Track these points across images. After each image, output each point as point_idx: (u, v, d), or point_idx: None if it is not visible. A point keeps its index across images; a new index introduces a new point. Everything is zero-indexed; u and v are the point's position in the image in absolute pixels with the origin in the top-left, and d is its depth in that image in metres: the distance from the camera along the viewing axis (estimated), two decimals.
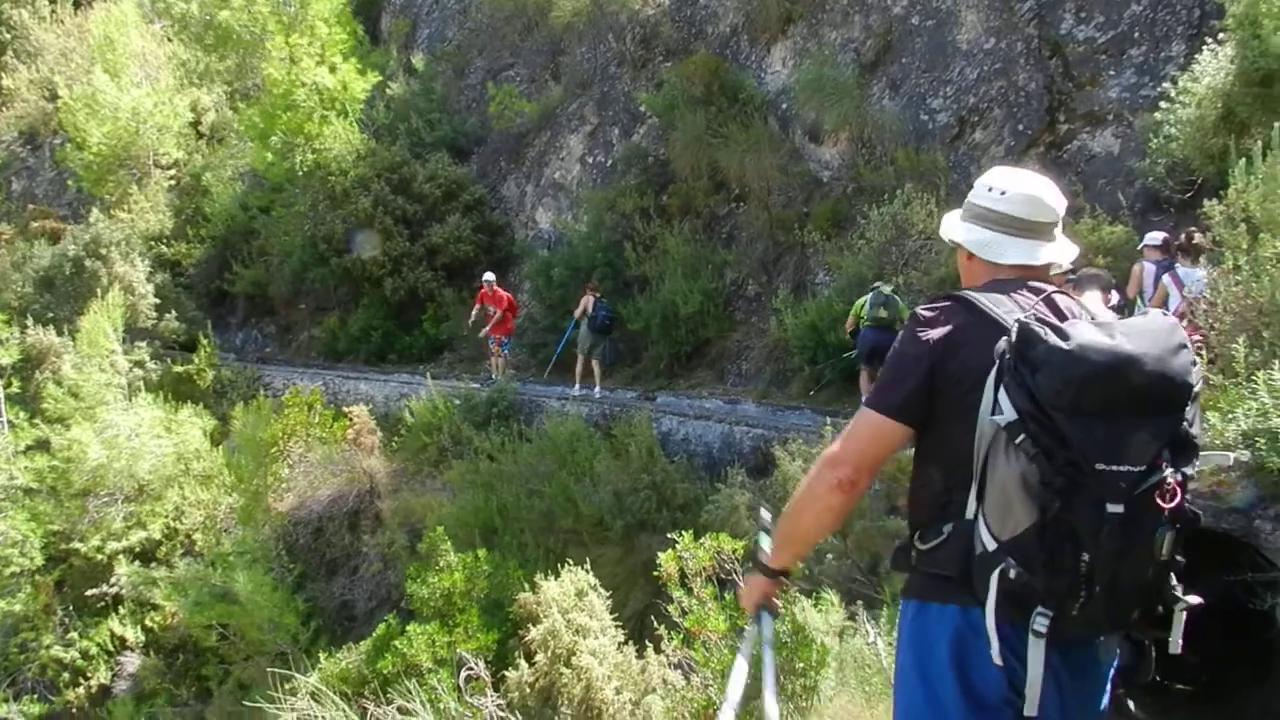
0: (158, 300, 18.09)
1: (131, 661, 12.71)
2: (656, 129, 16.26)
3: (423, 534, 10.06)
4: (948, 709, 1.99)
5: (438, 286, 18.10)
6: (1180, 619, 1.93)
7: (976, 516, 1.95)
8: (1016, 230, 2.19)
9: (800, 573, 5.15)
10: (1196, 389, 1.89)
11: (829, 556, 7.08)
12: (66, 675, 12.51)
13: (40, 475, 13.35)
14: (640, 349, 15.06)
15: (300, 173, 19.01)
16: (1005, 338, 1.92)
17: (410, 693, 5.40)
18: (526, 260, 17.52)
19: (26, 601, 12.73)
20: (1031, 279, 2.17)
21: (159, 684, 12.28)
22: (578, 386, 13.71)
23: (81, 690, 12.47)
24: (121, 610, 12.87)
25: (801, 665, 4.37)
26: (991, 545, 1.90)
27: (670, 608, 5.02)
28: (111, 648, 12.74)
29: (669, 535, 5.35)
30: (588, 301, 13.53)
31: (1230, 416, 3.93)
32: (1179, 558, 1.89)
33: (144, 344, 16.76)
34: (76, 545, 12.91)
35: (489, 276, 14.92)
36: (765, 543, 2.62)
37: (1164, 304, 7.38)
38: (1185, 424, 1.87)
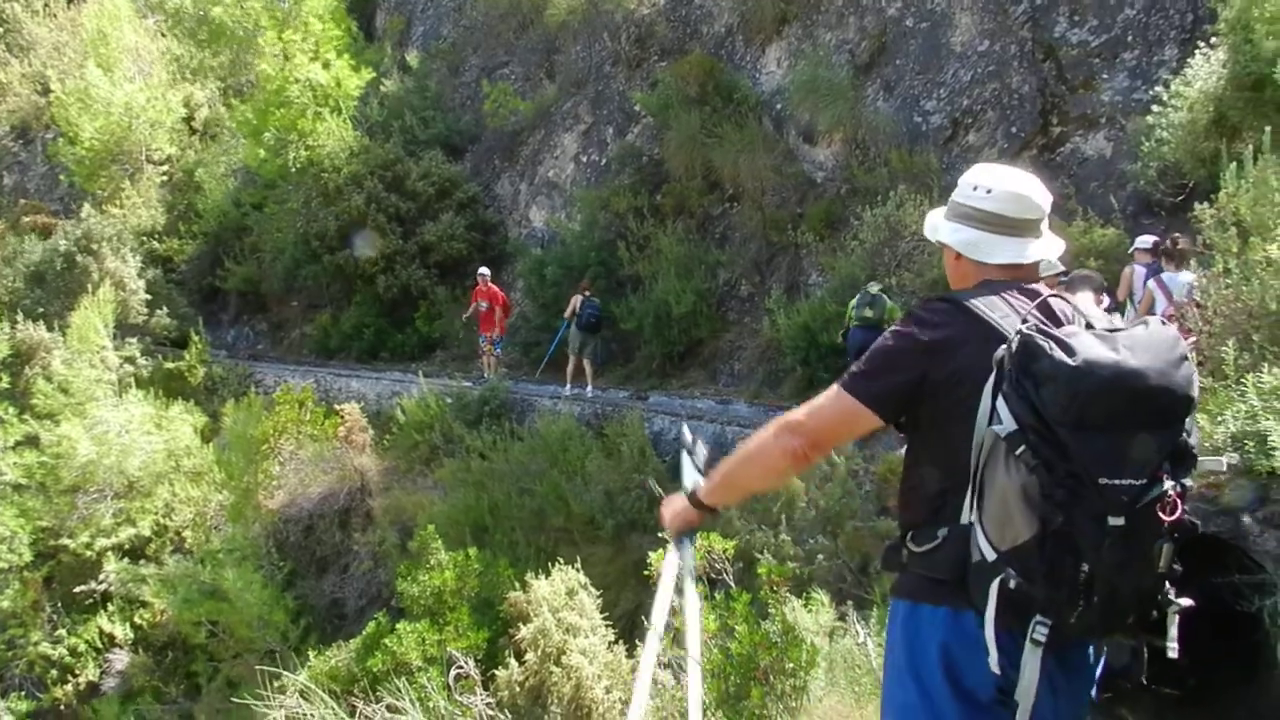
0: (149, 296, 18.04)
1: (120, 659, 12.67)
2: (651, 128, 16.26)
3: (414, 532, 10.04)
4: (942, 708, 1.99)
5: (430, 284, 18.08)
6: (1174, 621, 1.93)
7: (973, 523, 1.94)
8: (1004, 229, 2.17)
9: (789, 572, 5.15)
10: (1196, 400, 1.89)
11: (820, 557, 7.08)
12: (55, 672, 12.47)
13: (29, 471, 13.30)
14: (633, 349, 15.06)
15: (293, 169, 18.97)
16: (1005, 346, 1.89)
17: (400, 691, 5.38)
18: (520, 259, 17.51)
19: (15, 598, 12.68)
20: (1021, 278, 2.15)
21: (147, 681, 12.25)
22: (569, 386, 13.72)
23: (70, 687, 12.43)
24: (110, 607, 12.83)
25: (791, 665, 4.37)
26: (991, 555, 1.89)
27: None
28: (100, 645, 12.70)
29: (660, 534, 5.34)
30: (576, 301, 13.55)
31: (1219, 419, 3.94)
32: (1176, 565, 1.89)
33: (135, 340, 16.72)
34: (65, 542, 12.86)
35: (484, 271, 14.93)
36: (686, 463, 2.66)
37: (1150, 308, 7.41)
38: (1184, 435, 1.87)
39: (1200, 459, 1.95)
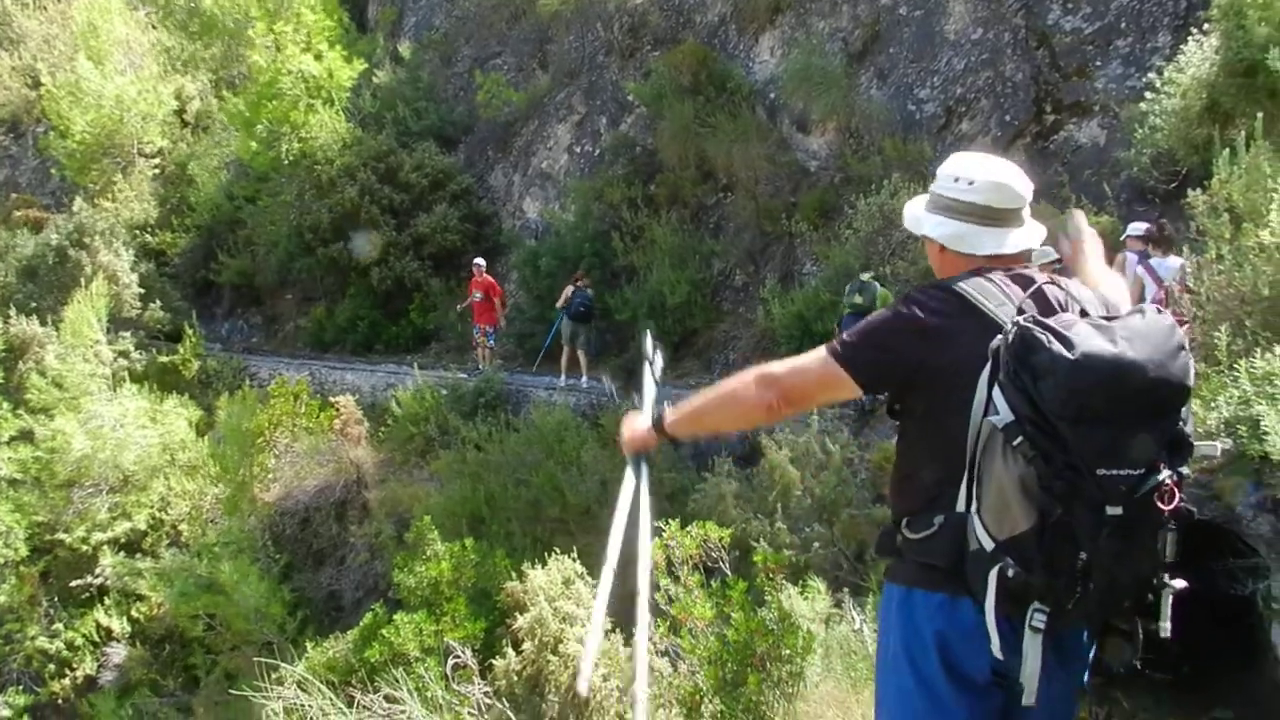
0: (142, 290, 17.96)
1: (117, 652, 12.67)
2: (644, 118, 16.22)
3: (410, 524, 10.05)
4: (939, 690, 2.00)
5: (425, 276, 18.04)
6: (1168, 603, 1.94)
7: (970, 512, 1.94)
8: (988, 219, 2.16)
9: (786, 560, 5.17)
10: (1192, 389, 1.90)
11: (816, 545, 7.11)
12: (52, 667, 12.47)
13: (24, 466, 13.28)
14: (627, 339, 15.05)
15: (286, 162, 18.88)
16: (1002, 337, 1.89)
17: (397, 681, 5.40)
18: (514, 250, 17.48)
19: (11, 593, 12.68)
20: (1009, 265, 2.14)
21: (145, 674, 12.24)
22: (564, 377, 13.72)
23: (67, 681, 12.43)
24: (107, 601, 12.82)
25: (788, 652, 4.38)
26: (989, 545, 1.89)
27: (657, 595, 5.04)
28: (97, 639, 12.70)
29: (656, 524, 5.36)
30: (568, 291, 13.58)
31: (1212, 404, 3.95)
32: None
33: (128, 334, 16.68)
34: (61, 536, 12.85)
35: (479, 262, 14.91)
36: (648, 376, 2.78)
37: (1141, 294, 7.45)
38: (1180, 424, 1.88)
39: (1195, 444, 1.96)
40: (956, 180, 2.19)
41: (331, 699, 4.88)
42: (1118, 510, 1.79)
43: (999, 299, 2.03)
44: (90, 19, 22.42)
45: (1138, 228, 8.13)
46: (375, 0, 24.42)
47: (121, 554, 12.93)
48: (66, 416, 13.38)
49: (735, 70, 15.20)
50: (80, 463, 13.12)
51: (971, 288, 2.06)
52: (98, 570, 12.84)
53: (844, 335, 2.14)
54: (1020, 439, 1.81)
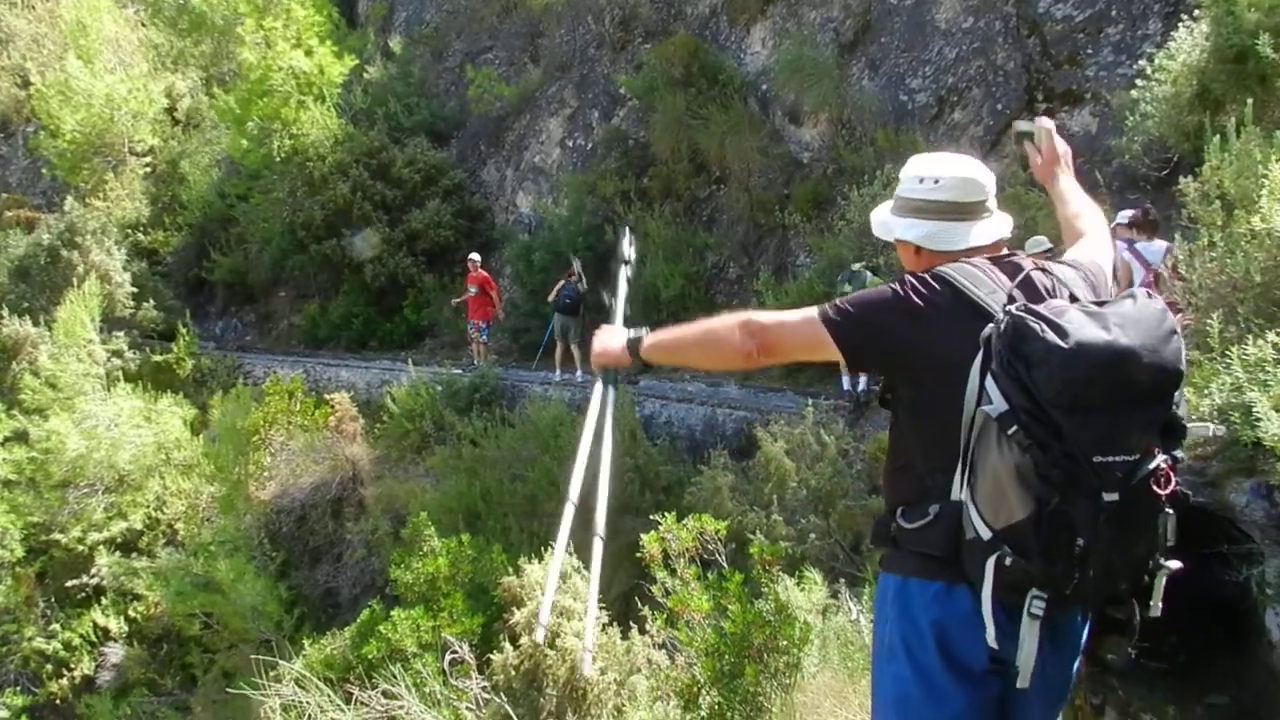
0: (135, 289, 17.96)
1: (115, 652, 12.66)
2: (636, 111, 16.19)
3: (406, 520, 10.04)
4: (936, 679, 2.00)
5: (418, 272, 18.02)
6: (1162, 584, 1.94)
7: (965, 500, 1.94)
8: (959, 215, 2.18)
9: (782, 552, 5.17)
10: (1185, 373, 1.90)
11: (812, 536, 7.12)
12: (49, 667, 12.46)
13: (19, 467, 13.26)
14: None
15: (278, 159, 18.84)
16: (994, 325, 1.89)
17: (395, 677, 5.41)
18: (507, 245, 17.46)
19: (7, 594, 12.67)
20: (988, 254, 2.15)
21: (143, 674, 12.24)
22: (559, 372, 13.71)
23: (64, 682, 12.43)
24: (104, 601, 12.82)
25: (785, 643, 4.39)
26: (986, 533, 1.89)
27: (654, 589, 5.04)
28: (94, 639, 12.70)
29: (652, 517, 5.36)
30: (559, 285, 13.58)
31: (1205, 392, 3.96)
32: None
33: (122, 333, 16.66)
34: (57, 536, 12.84)
35: (474, 256, 14.89)
36: (623, 284, 2.83)
37: (1129, 280, 7.48)
38: (1174, 408, 1.88)
39: (1189, 426, 1.97)
40: (922, 181, 2.21)
41: (329, 696, 4.89)
42: (1114, 496, 1.79)
43: (989, 286, 2.03)
44: (79, 17, 22.35)
45: (1126, 215, 8.15)
46: None
47: (118, 554, 12.92)
48: (61, 417, 13.36)
49: (727, 62, 15.17)
50: (75, 463, 13.11)
51: (962, 275, 2.06)
52: (94, 570, 12.83)
53: (837, 301, 2.13)
54: (1015, 428, 1.81)
